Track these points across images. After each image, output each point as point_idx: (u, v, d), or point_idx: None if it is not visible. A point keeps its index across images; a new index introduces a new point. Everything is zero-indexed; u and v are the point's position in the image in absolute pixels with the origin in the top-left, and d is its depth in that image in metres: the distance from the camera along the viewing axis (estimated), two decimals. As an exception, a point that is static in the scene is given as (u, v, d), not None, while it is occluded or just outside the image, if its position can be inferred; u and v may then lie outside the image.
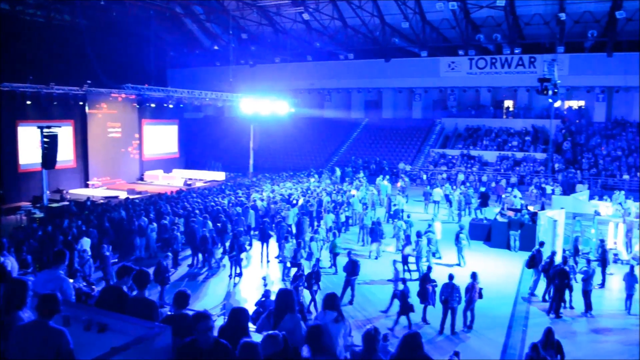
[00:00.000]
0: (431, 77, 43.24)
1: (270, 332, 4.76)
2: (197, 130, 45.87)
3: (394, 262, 14.88)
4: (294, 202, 24.87)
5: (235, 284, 16.61)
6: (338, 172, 37.18)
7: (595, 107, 43.10)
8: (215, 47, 47.35)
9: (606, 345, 12.40)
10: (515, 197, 25.70)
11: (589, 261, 16.34)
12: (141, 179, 37.66)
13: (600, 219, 19.45)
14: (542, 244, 16.74)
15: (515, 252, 19.83)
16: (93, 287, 10.01)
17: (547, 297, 14.87)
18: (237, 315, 5.46)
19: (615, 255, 18.67)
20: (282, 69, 45.44)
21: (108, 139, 35.36)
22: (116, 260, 16.98)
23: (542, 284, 15.26)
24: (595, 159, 37.00)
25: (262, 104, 37.00)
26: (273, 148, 41.62)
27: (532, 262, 15.65)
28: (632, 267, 14.47)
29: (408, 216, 21.54)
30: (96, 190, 31.53)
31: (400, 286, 13.08)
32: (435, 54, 42.15)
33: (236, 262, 16.95)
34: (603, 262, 15.83)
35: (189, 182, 35.18)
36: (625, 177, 34.28)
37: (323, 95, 50.57)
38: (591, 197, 25.03)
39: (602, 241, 17.49)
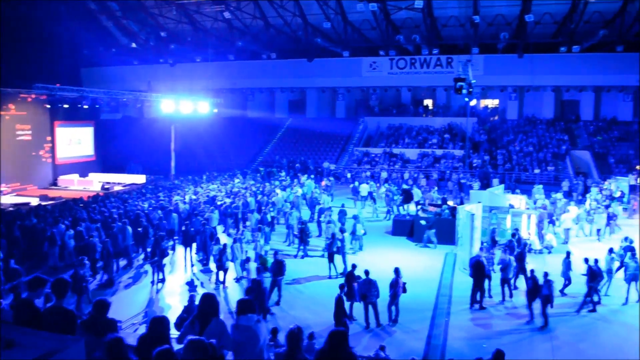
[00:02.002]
0: (353, 77, 43.82)
1: (194, 337, 4.61)
2: (114, 131, 44.06)
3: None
4: (218, 203, 24.48)
5: (157, 291, 16.09)
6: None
7: (508, 105, 45.38)
8: (133, 45, 45.74)
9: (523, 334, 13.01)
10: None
11: (506, 250, 17.08)
12: (55, 184, 35.74)
13: (514, 211, 20.39)
14: (514, 234, 17.81)
15: (434, 247, 20.37)
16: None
17: (516, 284, 15.68)
18: (156, 324, 5.26)
19: (529, 245, 19.69)
20: (204, 69, 44.57)
21: (17, 142, 33.21)
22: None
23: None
24: (509, 154, 38.87)
25: (183, 104, 36.15)
26: (195, 149, 40.70)
27: (520, 256, 16.33)
28: (568, 253, 15.38)
29: (344, 212, 22.10)
30: (5, 198, 29.61)
31: None
32: (357, 54, 42.74)
33: (158, 267, 16.43)
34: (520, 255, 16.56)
35: (106, 186, 33.79)
36: (537, 171, 36.25)
37: (246, 95, 50.11)
38: (505, 191, 26.23)
39: (516, 230, 18.59)
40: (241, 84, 46.04)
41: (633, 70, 37.67)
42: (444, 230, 20.66)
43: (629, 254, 15.86)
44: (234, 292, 15.65)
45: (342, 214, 22.36)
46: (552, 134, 41.21)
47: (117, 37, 47.22)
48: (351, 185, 30.69)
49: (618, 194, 27.70)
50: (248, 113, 50.54)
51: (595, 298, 14.24)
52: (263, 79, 45.60)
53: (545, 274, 13.29)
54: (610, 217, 22.22)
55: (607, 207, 23.53)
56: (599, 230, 21.81)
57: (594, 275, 13.95)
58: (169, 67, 46.64)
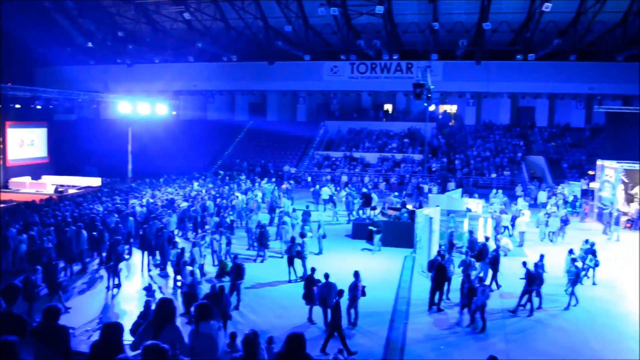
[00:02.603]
0: (315, 81, 43.90)
1: (149, 343, 4.49)
2: (69, 133, 42.81)
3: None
4: (178, 206, 24.09)
5: (113, 296, 15.68)
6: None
7: (466, 111, 46.29)
8: (90, 45, 44.63)
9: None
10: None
11: (467, 253, 17.39)
12: (6, 186, 34.49)
13: (471, 215, 20.75)
14: (487, 238, 18.19)
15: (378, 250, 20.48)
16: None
17: (495, 286, 16.04)
18: (109, 331, 5.11)
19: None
20: (163, 70, 43.89)
21: (-35, 143, 32.02)
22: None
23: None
24: (467, 159, 39.61)
25: (141, 106, 35.48)
26: (153, 152, 39.92)
27: (480, 255, 16.71)
28: (542, 256, 15.55)
29: (309, 213, 22.42)
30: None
31: None
32: (318, 58, 42.85)
33: (114, 272, 16.01)
34: (479, 254, 16.90)
35: (60, 189, 32.80)
36: (493, 175, 37.05)
37: (206, 97, 49.60)
38: (463, 195, 26.70)
39: (471, 232, 19.10)
40: (201, 86, 45.55)
41: (585, 79, 39.07)
42: (403, 234, 20.89)
43: (590, 256, 16.60)
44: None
45: (307, 214, 22.65)
46: (508, 140, 42.24)
47: (72, 36, 46.01)
48: (312, 189, 30.73)
49: (571, 199, 28.60)
50: (208, 115, 50.02)
51: (536, 302, 14.40)
52: (223, 82, 45.22)
53: (479, 279, 13.43)
54: (564, 221, 22.92)
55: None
56: (552, 233, 22.42)
57: (531, 279, 14.11)
58: (126, 68, 45.76)
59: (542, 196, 29.15)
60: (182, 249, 16.13)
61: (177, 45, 43.59)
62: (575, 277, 14.80)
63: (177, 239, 19.16)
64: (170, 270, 17.00)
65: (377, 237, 20.46)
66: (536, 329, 13.51)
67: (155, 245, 18.15)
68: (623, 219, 24.91)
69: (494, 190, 29.42)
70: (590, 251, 16.94)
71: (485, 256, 16.54)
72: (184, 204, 24.15)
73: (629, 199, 26.03)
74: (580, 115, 44.70)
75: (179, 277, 15.65)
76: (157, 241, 18.06)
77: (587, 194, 29.67)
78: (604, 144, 34.75)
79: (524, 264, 14.67)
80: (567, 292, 15.15)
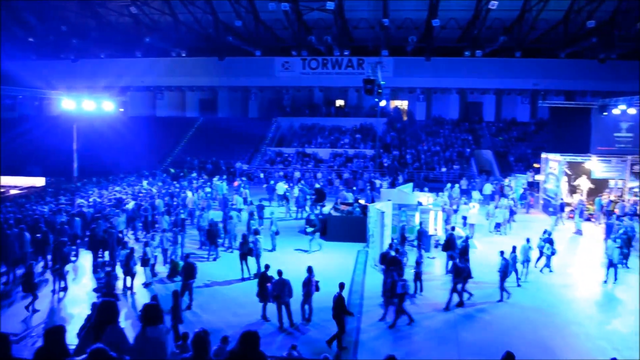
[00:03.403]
0: (266, 77, 43.65)
1: (94, 347, 4.33)
2: (10, 131, 41.14)
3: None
4: (126, 207, 23.48)
5: (60, 300, 15.14)
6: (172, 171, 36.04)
7: (416, 106, 46.99)
8: (31, 39, 42.89)
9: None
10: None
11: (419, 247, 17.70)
12: (-58, 187, 32.86)
13: (422, 209, 21.04)
14: (453, 228, 18.76)
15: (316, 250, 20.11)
16: None
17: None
18: (51, 335, 4.90)
19: (437, 241, 20.44)
20: (109, 65, 42.67)
21: None
22: None
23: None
24: (418, 153, 40.21)
25: (87, 103, 34.40)
26: (100, 150, 38.76)
27: (448, 246, 17.25)
28: (514, 247, 16.04)
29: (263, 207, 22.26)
30: None
31: None
32: (269, 54, 42.59)
33: (60, 275, 15.45)
34: (447, 244, 17.47)
35: (1, 190, 31.46)
36: (443, 169, 37.74)
37: (155, 93, 48.56)
38: (414, 189, 27.09)
39: (421, 224, 19.52)
40: (149, 82, 44.60)
41: (529, 75, 40.29)
42: (356, 229, 21.03)
43: (547, 245, 17.38)
44: (142, 299, 15.00)
45: (260, 208, 22.87)
46: (457, 134, 43.13)
47: (13, 30, 44.06)
48: (264, 185, 30.55)
49: (521, 191, 29.47)
50: (157, 112, 49.01)
51: (466, 296, 14.60)
52: (172, 77, 44.41)
53: (397, 274, 13.53)
54: (512, 213, 23.65)
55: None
56: (498, 224, 23.00)
57: (458, 272, 14.32)
58: (70, 63, 44.27)
59: (487, 188, 29.93)
60: (132, 249, 15.74)
61: (123, 40, 42.41)
62: (503, 272, 14.88)
63: (128, 238, 18.69)
64: (119, 271, 16.54)
65: (314, 236, 19.91)
66: (484, 319, 13.86)
67: (104, 245, 17.65)
68: (567, 209, 25.83)
69: (449, 185, 29.99)
70: (548, 240, 17.73)
71: (453, 246, 17.02)
72: (132, 203, 23.54)
73: (572, 190, 26.99)
74: (526, 110, 46.17)
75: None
76: (106, 242, 17.55)
77: (533, 186, 30.59)
78: (548, 138, 35.81)
79: (449, 256, 14.82)
80: (523, 281, 15.65)
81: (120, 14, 39.98)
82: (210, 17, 39.37)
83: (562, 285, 16.59)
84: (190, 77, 44.18)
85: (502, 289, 14.95)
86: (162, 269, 17.22)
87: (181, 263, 14.85)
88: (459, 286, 14.34)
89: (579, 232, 23.24)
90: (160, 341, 5.27)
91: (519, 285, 16.13)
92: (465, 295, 14.56)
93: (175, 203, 24.63)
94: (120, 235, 18.52)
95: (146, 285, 16.01)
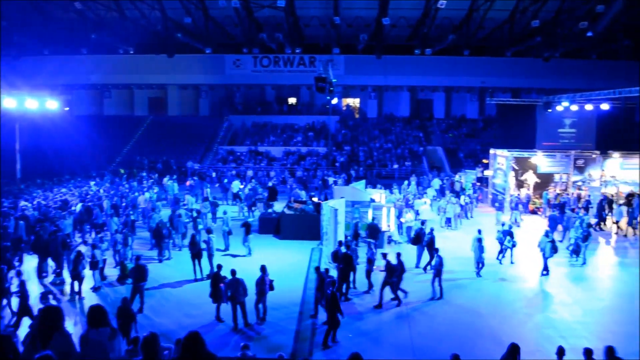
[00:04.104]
0: (217, 74, 43.12)
1: (39, 355, 4.13)
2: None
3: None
4: (73, 209, 22.73)
5: (3, 307, 14.47)
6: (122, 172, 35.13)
7: (368, 104, 47.39)
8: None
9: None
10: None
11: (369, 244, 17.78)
12: None
13: (375, 205, 21.21)
14: (423, 222, 19.12)
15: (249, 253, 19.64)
16: None
17: (428, 268, 16.89)
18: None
19: (390, 237, 20.66)
20: (53, 62, 41.20)
21: None
22: None
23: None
24: (370, 151, 40.54)
25: (29, 101, 33.09)
26: (45, 150, 37.30)
27: (417, 239, 17.65)
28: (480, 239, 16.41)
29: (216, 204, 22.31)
30: None
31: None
32: (220, 51, 42.07)
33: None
34: (416, 238, 17.90)
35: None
36: (395, 166, 38.17)
37: (102, 91, 47.22)
38: (367, 186, 27.30)
39: (374, 219, 19.77)
40: (95, 79, 43.31)
41: (478, 73, 41.25)
42: (309, 226, 21.03)
43: (507, 237, 17.92)
44: (91, 303, 14.47)
45: (214, 205, 23.05)
46: (408, 131, 43.73)
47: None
48: (217, 185, 30.15)
49: (469, 186, 30.11)
50: (104, 111, 47.69)
51: (401, 294, 14.54)
52: (120, 75, 43.29)
53: (326, 271, 13.54)
54: (463, 207, 24.16)
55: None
56: (449, 219, 23.44)
57: (391, 270, 14.22)
58: (11, 60, 42.46)
59: (435, 183, 30.51)
60: (79, 253, 15.22)
61: (68, 36, 41.02)
62: (437, 270, 14.82)
63: (75, 241, 18.08)
64: (66, 275, 15.99)
65: (247, 238, 19.04)
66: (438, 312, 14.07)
67: (49, 249, 17.00)
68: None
69: (406, 182, 30.36)
70: (508, 233, 18.27)
71: (422, 240, 17.48)
72: (79, 205, 22.79)
73: (520, 184, 27.76)
74: (475, 107, 47.27)
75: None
76: (51, 245, 16.92)
77: (482, 181, 31.31)
78: (496, 134, 36.84)
79: (384, 255, 14.72)
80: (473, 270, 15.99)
81: (64, 9, 38.65)
82: (159, 13, 38.55)
83: (509, 276, 17.04)
84: (138, 74, 43.18)
85: (436, 285, 14.85)
86: (111, 272, 16.74)
87: (131, 265, 14.44)
88: (392, 285, 14.23)
89: (516, 223, 23.93)
90: (102, 345, 5.08)
91: (479, 276, 16.77)
92: (401, 294, 14.52)
93: (124, 204, 24.00)
94: (65, 238, 17.87)
95: (95, 289, 15.51)
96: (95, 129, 42.35)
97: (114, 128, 43.80)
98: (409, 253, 17.59)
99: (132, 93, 48.18)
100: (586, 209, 24.52)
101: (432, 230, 18.08)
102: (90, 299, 14.92)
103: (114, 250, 17.37)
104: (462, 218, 24.68)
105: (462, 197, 26.18)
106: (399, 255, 14.67)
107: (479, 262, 16.82)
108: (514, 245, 18.08)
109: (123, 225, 19.98)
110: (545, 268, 16.91)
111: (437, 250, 15.36)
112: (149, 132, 44.26)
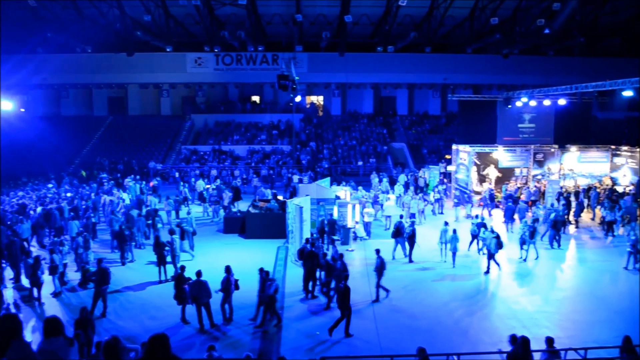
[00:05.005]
0: (178, 73, 42.48)
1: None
2: None
3: None
4: (32, 213, 22.10)
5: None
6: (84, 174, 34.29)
7: (332, 102, 47.47)
8: None
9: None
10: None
11: (333, 240, 17.88)
12: None
13: (340, 202, 21.26)
14: (402, 216, 20.28)
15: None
16: None
17: (411, 258, 17.90)
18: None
19: (355, 233, 20.74)
20: (7, 62, 39.82)
21: None
22: None
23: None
24: (335, 148, 40.62)
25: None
26: (0, 152, 36.14)
27: (398, 232, 18.22)
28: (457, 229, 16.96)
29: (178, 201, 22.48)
30: None
31: None
32: (181, 49, 41.42)
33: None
34: (397, 231, 18.23)
35: None
36: (360, 163, 38.37)
37: (59, 91, 45.99)
38: (333, 184, 27.37)
39: (331, 215, 19.75)
40: (52, 79, 42.08)
41: (439, 70, 41.78)
42: (275, 225, 20.97)
43: (482, 229, 18.32)
44: (51, 309, 14.13)
45: (177, 203, 23.13)
46: (372, 128, 43.99)
47: None
48: (181, 184, 29.71)
49: (436, 182, 30.50)
50: (62, 111, 46.48)
51: (384, 293, 14.58)
52: (78, 74, 42.15)
53: (266, 273, 13.20)
54: (433, 204, 24.94)
55: (425, 194, 26.02)
56: (413, 215, 23.69)
57: (329, 270, 14.26)
58: (-39, 60, 41.00)
59: (401, 179, 30.77)
60: (38, 257, 14.78)
61: (22, 34, 39.74)
62: (379, 270, 14.49)
63: (33, 246, 17.56)
64: (25, 281, 15.51)
65: (183, 243, 18.03)
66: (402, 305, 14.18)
67: (6, 255, 16.46)
68: (476, 197, 27.04)
69: (377, 179, 30.51)
70: (482, 224, 18.76)
71: (402, 233, 18.01)
72: (39, 209, 22.16)
73: (482, 179, 28.24)
74: (437, 104, 47.90)
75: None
76: (8, 251, 16.38)
77: (445, 176, 31.74)
78: (458, 130, 37.34)
79: (334, 256, 14.71)
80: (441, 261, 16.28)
81: (18, 6, 37.40)
82: (117, 11, 37.67)
83: (469, 269, 17.32)
84: (97, 74, 42.15)
85: (379, 287, 14.54)
86: (73, 277, 16.32)
87: (92, 269, 14.09)
88: (329, 285, 14.18)
89: (468, 216, 24.35)
90: (56, 354, 4.91)
91: (454, 266, 17.34)
92: (383, 293, 14.63)
93: (84, 206, 23.45)
94: (23, 243, 17.34)
95: (55, 294, 15.07)
96: (53, 130, 41.18)
97: (72, 129, 42.71)
98: (372, 247, 17.63)
99: (91, 93, 47.10)
100: (558, 199, 25.01)
101: (412, 223, 18.63)
102: (50, 305, 14.52)
103: (75, 253, 16.95)
104: (437, 214, 25.37)
105: (432, 194, 26.51)
106: (337, 254, 14.73)
107: (454, 252, 17.38)
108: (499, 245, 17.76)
109: (84, 228, 19.50)
110: (489, 265, 16.83)
111: (378, 251, 14.91)
112: (109, 133, 43.35)
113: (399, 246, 18.39)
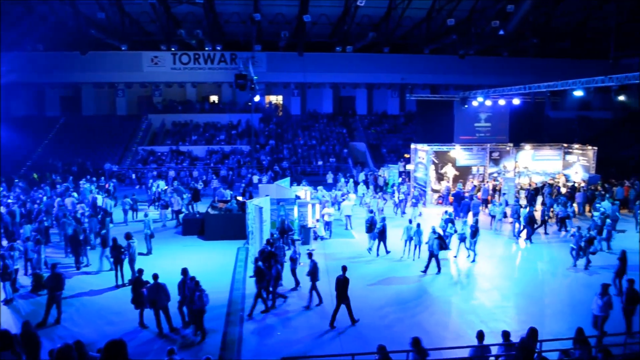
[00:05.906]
0: (134, 72, 41.65)
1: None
2: None
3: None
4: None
5: None
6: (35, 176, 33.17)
7: (291, 101, 47.37)
8: None
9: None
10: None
11: (293, 241, 17.83)
12: None
13: (300, 202, 21.20)
14: (372, 211, 20.91)
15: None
16: None
17: (378, 253, 18.73)
18: None
19: (315, 232, 20.73)
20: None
21: None
22: None
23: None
24: (295, 148, 40.54)
25: None
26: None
27: (370, 228, 18.94)
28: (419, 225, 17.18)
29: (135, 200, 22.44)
30: None
31: None
32: (136, 48, 40.57)
33: None
34: (370, 226, 18.79)
35: None
36: (320, 163, 38.40)
37: (8, 91, 44.33)
38: (292, 183, 27.29)
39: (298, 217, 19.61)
40: (1, 78, 40.52)
41: (398, 70, 42.23)
42: (235, 226, 20.76)
43: (449, 224, 18.85)
44: (3, 317, 13.58)
45: (134, 202, 22.99)
46: (332, 128, 44.10)
47: None
48: (137, 186, 29.12)
49: (395, 181, 30.77)
50: (12, 111, 44.82)
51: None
52: (28, 73, 40.71)
53: (195, 282, 12.54)
54: (397, 205, 25.75)
55: (385, 193, 26.20)
56: (372, 211, 23.86)
57: (261, 275, 13.71)
58: None
59: (361, 178, 31.00)
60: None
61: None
62: (312, 274, 14.00)
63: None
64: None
65: (105, 251, 16.99)
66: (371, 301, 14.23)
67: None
68: (435, 195, 27.53)
69: (343, 180, 30.56)
70: (450, 220, 19.25)
71: (374, 228, 18.64)
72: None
73: (440, 177, 28.65)
74: (396, 103, 48.40)
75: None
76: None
77: (406, 175, 32.07)
78: (416, 129, 37.81)
79: (255, 259, 14.40)
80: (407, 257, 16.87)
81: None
82: (69, 7, 36.59)
83: (428, 266, 17.49)
84: (48, 72, 40.90)
85: (312, 291, 14.05)
86: (24, 282, 15.75)
87: (45, 274, 13.61)
88: (264, 292, 13.80)
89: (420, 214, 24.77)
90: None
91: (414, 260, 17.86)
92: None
93: (36, 209, 22.69)
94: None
95: (6, 302, 14.50)
96: (3, 131, 39.69)
97: (23, 129, 41.21)
98: (333, 246, 17.73)
99: (43, 92, 45.66)
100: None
101: (383, 219, 19.02)
102: (2, 312, 13.96)
103: (26, 258, 16.36)
104: (397, 214, 25.62)
105: (396, 195, 26.72)
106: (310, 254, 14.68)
107: (418, 246, 17.95)
108: (455, 232, 18.59)
109: (36, 232, 18.84)
110: (427, 266, 16.76)
111: (310, 255, 14.58)
112: (62, 134, 42.12)
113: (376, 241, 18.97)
